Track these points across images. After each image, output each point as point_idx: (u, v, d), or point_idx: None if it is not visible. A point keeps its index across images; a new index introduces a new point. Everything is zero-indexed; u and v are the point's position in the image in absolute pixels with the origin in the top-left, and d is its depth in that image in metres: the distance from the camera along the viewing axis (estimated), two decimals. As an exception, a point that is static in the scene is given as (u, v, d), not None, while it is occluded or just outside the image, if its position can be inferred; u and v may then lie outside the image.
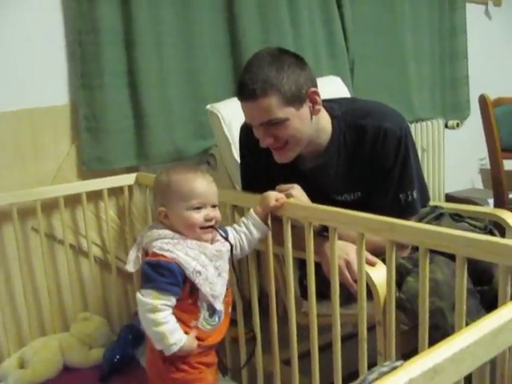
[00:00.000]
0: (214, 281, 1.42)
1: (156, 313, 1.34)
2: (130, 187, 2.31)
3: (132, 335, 2.18)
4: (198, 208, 1.42)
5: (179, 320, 1.40)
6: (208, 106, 2.13)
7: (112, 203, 2.35)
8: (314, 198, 1.59)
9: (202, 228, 1.43)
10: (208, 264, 1.41)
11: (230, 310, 1.53)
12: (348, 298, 1.64)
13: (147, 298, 1.35)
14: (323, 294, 1.55)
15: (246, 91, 1.52)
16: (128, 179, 2.29)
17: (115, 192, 2.32)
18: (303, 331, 1.63)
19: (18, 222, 2.06)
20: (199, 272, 1.38)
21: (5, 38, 2.07)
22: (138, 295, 1.37)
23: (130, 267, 1.47)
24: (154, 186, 1.50)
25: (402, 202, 1.63)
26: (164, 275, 1.35)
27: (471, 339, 0.64)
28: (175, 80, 2.39)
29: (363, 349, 1.38)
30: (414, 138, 1.71)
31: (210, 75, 2.49)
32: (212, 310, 1.44)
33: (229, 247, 1.51)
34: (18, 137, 2.13)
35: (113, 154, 2.26)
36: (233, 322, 1.94)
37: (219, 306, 1.45)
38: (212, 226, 1.45)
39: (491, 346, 0.67)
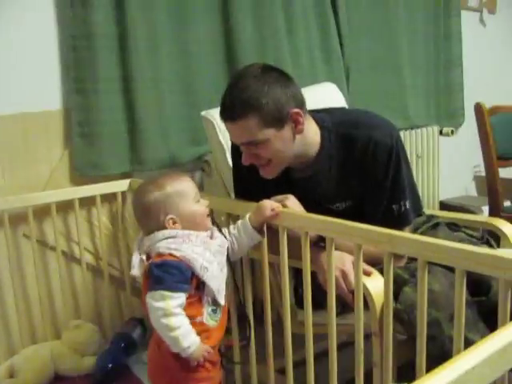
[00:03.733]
0: (218, 276, 1.44)
1: (169, 317, 1.34)
2: (123, 193, 2.29)
3: (124, 343, 2.17)
4: (198, 201, 1.49)
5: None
6: (203, 113, 2.11)
7: (105, 209, 2.33)
8: (306, 206, 1.58)
9: (207, 216, 1.51)
10: (213, 260, 1.43)
11: (227, 305, 1.54)
12: (343, 308, 1.63)
13: (159, 302, 1.34)
14: (318, 303, 1.54)
15: (226, 112, 1.55)
16: (121, 185, 2.27)
17: (108, 198, 2.30)
18: (297, 340, 1.62)
19: (9, 228, 2.04)
20: (206, 268, 1.39)
21: (-2, 41, 2.06)
22: (150, 300, 1.36)
23: (136, 271, 1.45)
24: (146, 204, 1.46)
25: (395, 213, 1.61)
26: (173, 274, 1.35)
27: (476, 360, 0.63)
28: (170, 86, 2.38)
29: (360, 360, 1.37)
30: (405, 146, 1.69)
31: (205, 81, 2.47)
32: (215, 305, 1.45)
33: (227, 242, 1.54)
34: (9, 141, 2.10)
35: (106, 160, 2.24)
36: (227, 330, 1.93)
37: (222, 300, 1.46)
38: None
39: (496, 366, 0.65)
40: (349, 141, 1.61)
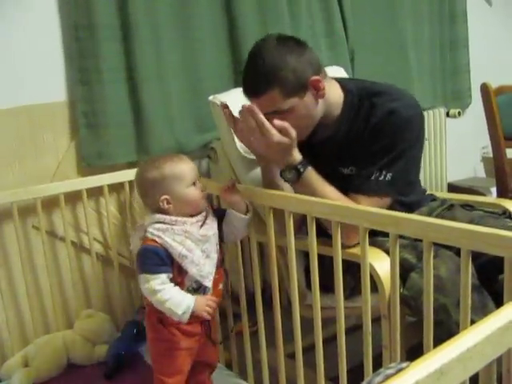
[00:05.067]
0: (201, 262, 1.54)
1: (155, 295, 1.47)
2: (130, 183, 2.29)
3: (136, 331, 2.18)
4: (194, 184, 1.57)
5: None
6: (210, 97, 2.10)
7: (113, 199, 2.34)
8: (321, 169, 1.61)
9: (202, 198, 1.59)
10: (194, 248, 1.52)
11: (220, 287, 1.64)
12: (353, 291, 1.64)
13: (144, 284, 1.48)
14: (328, 286, 1.54)
15: (248, 89, 1.62)
16: (128, 175, 2.26)
17: (116, 188, 2.31)
18: (306, 324, 1.63)
19: (18, 220, 2.05)
20: (185, 256, 1.50)
21: (1, 34, 2.05)
22: (140, 282, 1.51)
23: (132, 248, 1.62)
24: (145, 182, 1.58)
25: (372, 178, 1.60)
26: (151, 258, 1.49)
27: (478, 338, 0.63)
28: (174, 73, 2.37)
29: (368, 343, 1.37)
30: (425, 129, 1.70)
31: (209, 68, 2.46)
32: (199, 285, 1.55)
33: (216, 231, 1.61)
34: (16, 134, 2.11)
35: (113, 150, 2.24)
36: (237, 317, 1.95)
37: (208, 283, 1.57)
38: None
39: (498, 344, 0.66)
40: (369, 107, 1.65)
